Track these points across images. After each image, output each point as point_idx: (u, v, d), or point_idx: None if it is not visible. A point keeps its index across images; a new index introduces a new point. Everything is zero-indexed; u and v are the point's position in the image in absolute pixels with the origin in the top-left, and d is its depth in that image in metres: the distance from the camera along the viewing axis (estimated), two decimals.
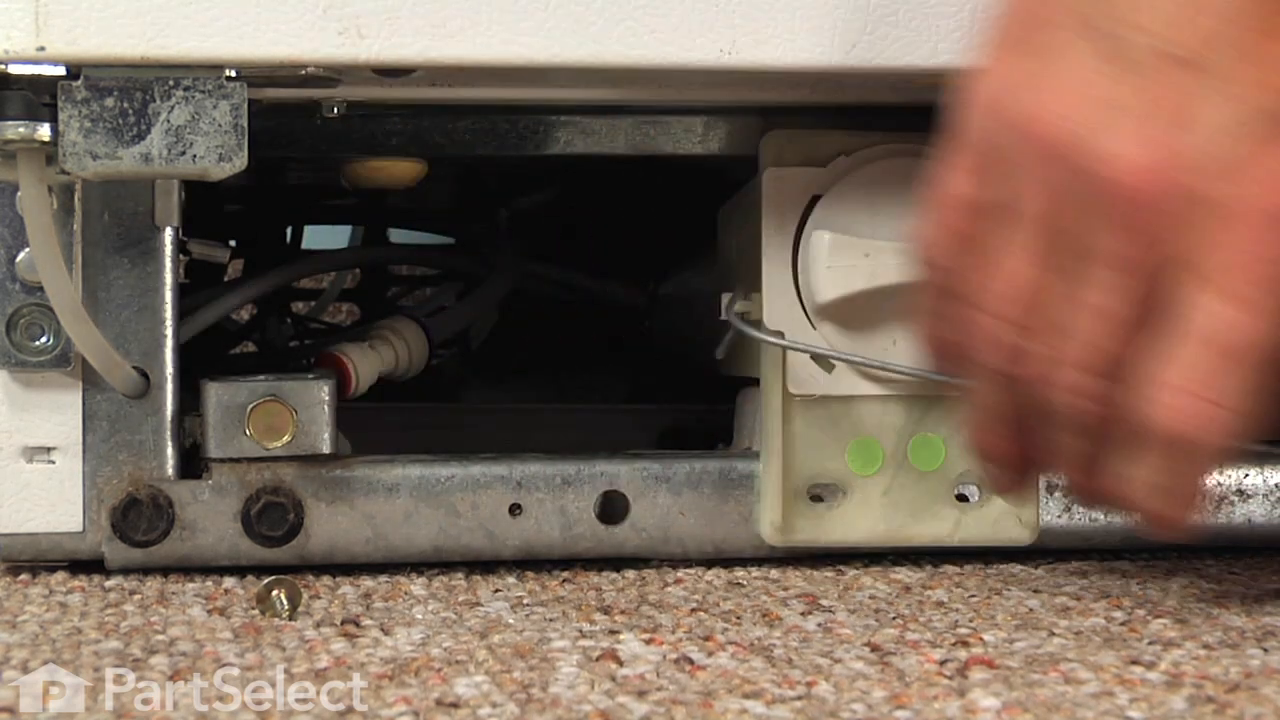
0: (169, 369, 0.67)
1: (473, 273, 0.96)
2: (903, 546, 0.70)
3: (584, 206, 1.03)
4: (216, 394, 0.66)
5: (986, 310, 0.57)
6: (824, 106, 0.69)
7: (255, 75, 0.60)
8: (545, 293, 1.01)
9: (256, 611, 0.61)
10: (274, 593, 0.61)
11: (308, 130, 0.72)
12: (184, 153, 0.60)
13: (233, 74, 0.60)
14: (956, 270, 0.57)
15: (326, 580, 0.67)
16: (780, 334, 0.68)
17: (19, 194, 0.64)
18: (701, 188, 0.83)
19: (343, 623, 0.59)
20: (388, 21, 0.59)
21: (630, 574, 0.69)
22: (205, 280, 0.88)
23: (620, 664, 0.53)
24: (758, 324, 0.68)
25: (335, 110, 0.66)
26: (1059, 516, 0.71)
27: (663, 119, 0.73)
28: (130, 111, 0.59)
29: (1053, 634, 0.58)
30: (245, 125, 0.60)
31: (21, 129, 0.59)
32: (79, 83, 0.59)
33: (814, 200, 0.68)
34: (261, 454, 0.67)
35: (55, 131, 0.59)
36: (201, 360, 0.74)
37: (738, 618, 0.60)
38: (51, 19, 0.58)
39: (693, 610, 0.62)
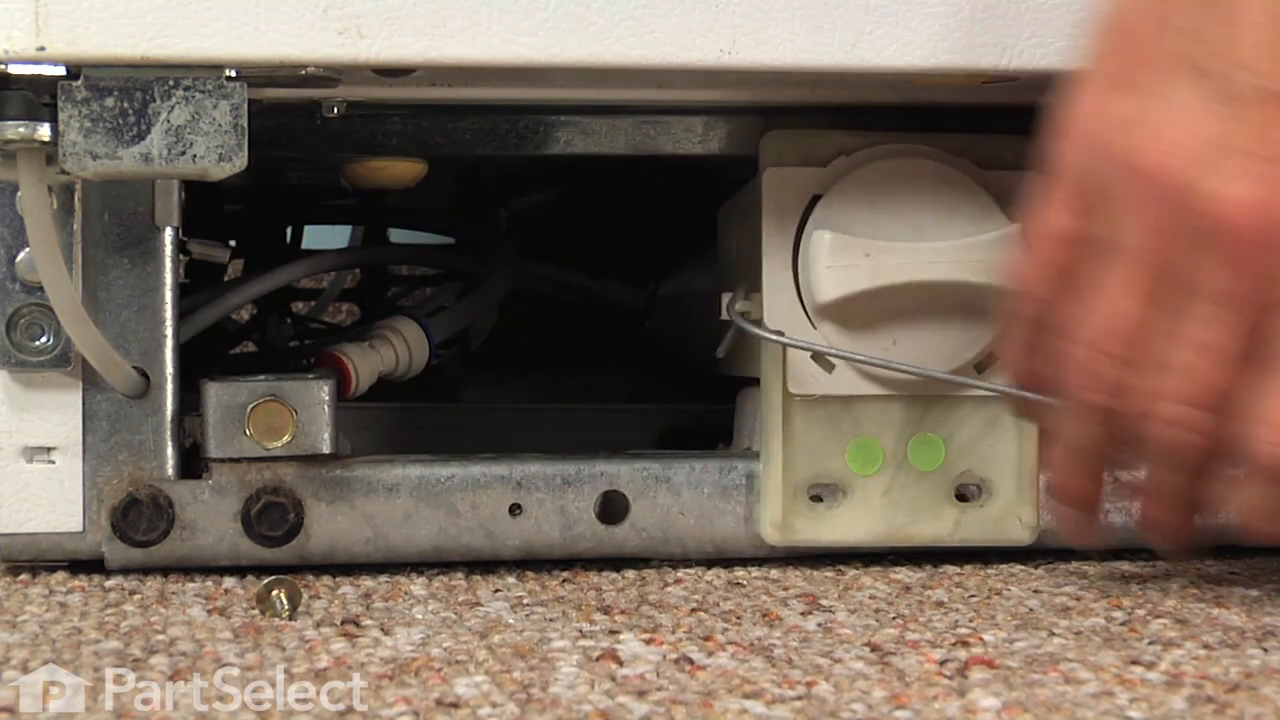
0: (169, 369, 0.67)
1: (473, 273, 0.96)
2: (903, 546, 0.70)
3: (584, 206, 1.03)
4: (216, 394, 0.66)
5: (1086, 343, 0.57)
6: (824, 106, 0.69)
7: (255, 75, 0.60)
8: (545, 293, 1.01)
9: (256, 611, 0.61)
10: (274, 593, 0.61)
11: (308, 130, 0.72)
12: (184, 153, 0.60)
13: (233, 74, 0.60)
14: (1053, 303, 0.58)
15: (326, 580, 0.67)
16: (781, 333, 0.68)
17: (19, 194, 0.64)
18: (701, 188, 0.83)
19: (343, 623, 0.59)
20: (388, 21, 0.59)
21: (630, 574, 0.69)
22: (205, 280, 0.88)
23: (620, 664, 0.53)
24: (759, 323, 0.68)
25: (335, 110, 0.66)
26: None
27: (663, 119, 0.73)
28: (130, 111, 0.59)
29: (1053, 634, 0.58)
30: (245, 125, 0.60)
31: (21, 129, 0.59)
32: (79, 83, 0.59)
33: (814, 200, 0.68)
34: (261, 454, 0.67)
35: (55, 131, 0.59)
36: (201, 360, 0.74)
37: (738, 618, 0.60)
38: (51, 19, 0.58)
39: (693, 610, 0.62)
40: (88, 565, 0.68)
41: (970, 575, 0.68)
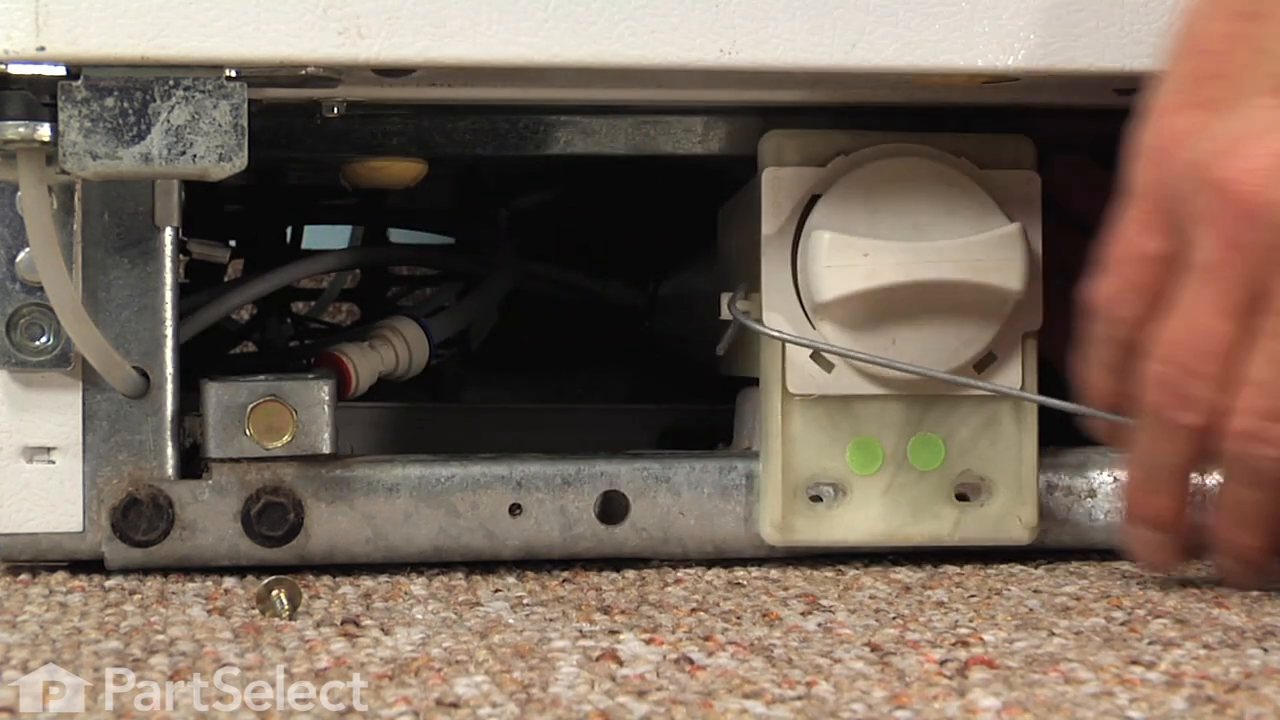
0: (169, 369, 0.67)
1: (473, 273, 0.96)
2: (903, 546, 0.70)
3: (584, 206, 1.03)
4: (216, 394, 0.66)
5: (1165, 360, 0.57)
6: (824, 106, 0.69)
7: (255, 75, 0.60)
8: (545, 293, 1.01)
9: (256, 611, 0.61)
10: (274, 593, 0.61)
11: (308, 130, 0.72)
12: (184, 153, 0.60)
13: (233, 74, 0.60)
14: (1135, 322, 0.58)
15: (326, 580, 0.67)
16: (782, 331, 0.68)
17: (19, 194, 0.64)
18: (701, 188, 0.83)
19: (343, 623, 0.59)
20: (388, 21, 0.59)
21: (630, 574, 0.69)
22: (205, 280, 0.88)
23: (620, 664, 0.53)
24: (759, 323, 0.68)
25: (335, 110, 0.66)
26: (1059, 516, 0.71)
27: (663, 119, 0.73)
28: (130, 111, 0.59)
29: (1053, 634, 0.58)
30: (245, 125, 0.60)
31: (21, 129, 0.59)
32: (79, 83, 0.59)
33: (813, 200, 0.68)
34: (261, 454, 0.67)
35: (55, 131, 0.59)
36: (201, 360, 0.74)
37: (738, 618, 0.60)
38: (51, 19, 0.58)
39: (693, 610, 0.62)
40: (88, 565, 0.68)
41: (970, 575, 0.68)
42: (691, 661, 0.54)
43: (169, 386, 0.67)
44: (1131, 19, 0.62)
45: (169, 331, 0.67)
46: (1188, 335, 0.57)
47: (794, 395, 0.68)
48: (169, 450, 0.67)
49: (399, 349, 0.80)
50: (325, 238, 1.05)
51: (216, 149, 0.60)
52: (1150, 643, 0.56)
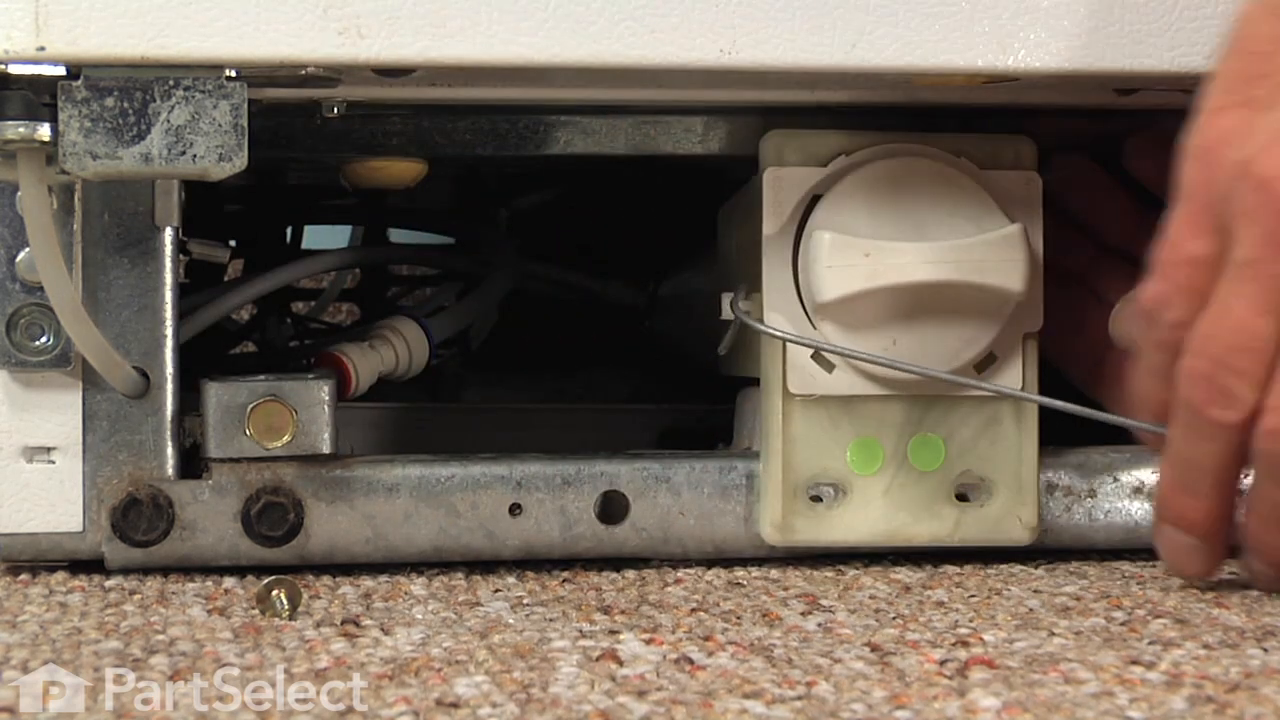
0: (169, 369, 0.67)
1: (473, 273, 0.96)
2: (903, 546, 0.70)
3: (584, 206, 1.03)
4: (216, 394, 0.66)
5: (1203, 356, 0.57)
6: (824, 106, 0.69)
7: (255, 75, 0.60)
8: (545, 293, 1.01)
9: (256, 611, 0.61)
10: (274, 593, 0.61)
11: (308, 130, 0.72)
12: (184, 153, 0.60)
13: (233, 74, 0.60)
14: (1183, 325, 0.58)
15: (326, 580, 0.67)
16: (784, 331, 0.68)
17: (19, 194, 0.64)
18: (701, 188, 0.83)
19: (343, 623, 0.59)
20: (388, 21, 0.59)
21: (630, 574, 0.69)
22: (205, 280, 0.88)
23: (620, 664, 0.53)
24: (760, 323, 0.68)
25: (335, 110, 0.66)
26: (1059, 516, 0.71)
27: (663, 119, 0.73)
28: (130, 111, 0.59)
29: (1053, 634, 0.58)
30: (245, 125, 0.60)
31: (21, 129, 0.59)
32: (79, 83, 0.59)
33: (814, 200, 0.68)
34: (261, 454, 0.67)
35: (55, 131, 0.59)
36: (201, 360, 0.74)
37: (738, 618, 0.60)
38: (51, 19, 0.58)
39: (693, 610, 0.62)
40: (88, 565, 0.68)
41: (970, 575, 0.68)
42: (691, 661, 0.54)
43: (169, 386, 0.67)
44: (1131, 19, 0.62)
45: (169, 331, 0.67)
46: (1226, 331, 0.56)
47: (794, 395, 0.68)
48: (169, 450, 0.67)
49: (399, 349, 0.80)
50: (325, 238, 1.05)
51: (216, 149, 0.60)
52: (1150, 643, 0.56)
